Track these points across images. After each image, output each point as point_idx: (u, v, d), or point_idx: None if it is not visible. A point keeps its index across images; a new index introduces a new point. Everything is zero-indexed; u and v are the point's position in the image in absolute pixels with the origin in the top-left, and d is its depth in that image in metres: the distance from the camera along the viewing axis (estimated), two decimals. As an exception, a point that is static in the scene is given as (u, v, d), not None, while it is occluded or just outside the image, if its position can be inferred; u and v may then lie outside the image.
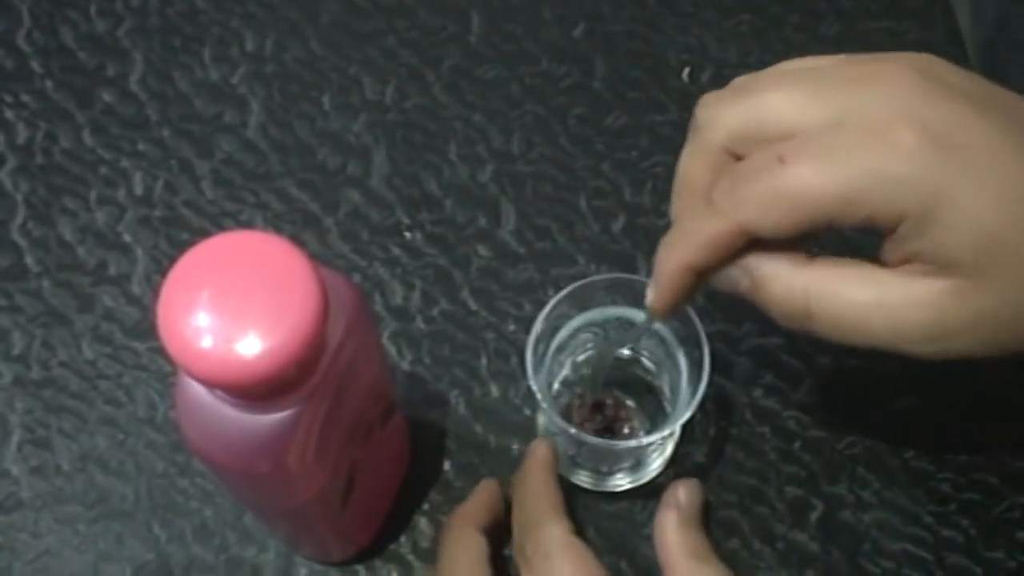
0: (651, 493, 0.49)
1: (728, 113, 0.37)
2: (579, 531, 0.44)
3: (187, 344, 0.31)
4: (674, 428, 0.46)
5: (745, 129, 0.36)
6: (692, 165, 0.38)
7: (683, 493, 0.45)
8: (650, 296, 0.39)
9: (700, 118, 0.38)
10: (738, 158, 0.37)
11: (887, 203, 0.33)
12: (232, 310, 0.31)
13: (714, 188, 0.36)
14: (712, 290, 0.52)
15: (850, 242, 0.37)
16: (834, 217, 0.34)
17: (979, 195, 0.33)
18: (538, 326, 0.44)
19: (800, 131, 0.35)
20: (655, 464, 0.49)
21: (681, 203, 0.39)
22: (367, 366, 0.39)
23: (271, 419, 0.34)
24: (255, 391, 0.33)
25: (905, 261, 0.35)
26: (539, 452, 0.45)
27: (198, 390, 0.34)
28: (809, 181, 0.34)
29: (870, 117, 0.34)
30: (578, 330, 0.47)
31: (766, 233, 0.35)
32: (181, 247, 0.54)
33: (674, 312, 0.40)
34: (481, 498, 0.46)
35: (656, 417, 0.49)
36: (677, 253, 0.37)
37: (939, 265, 0.34)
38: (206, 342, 0.31)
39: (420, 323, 0.53)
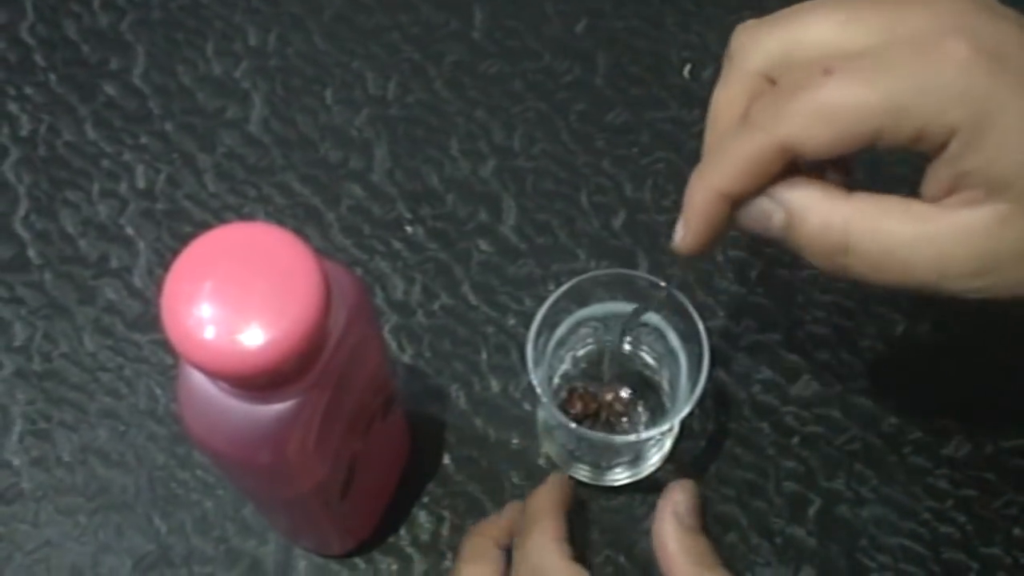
0: (650, 488, 0.49)
1: (766, 37, 0.35)
2: (573, 537, 0.43)
3: (190, 334, 0.31)
4: (673, 423, 0.46)
5: (784, 52, 0.34)
6: (727, 94, 0.36)
7: (680, 497, 0.43)
8: (679, 234, 0.36)
9: (735, 46, 0.36)
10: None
11: (938, 115, 0.32)
12: (235, 301, 0.31)
13: (752, 107, 0.34)
14: (712, 286, 0.53)
15: (887, 181, 0.36)
16: (883, 130, 0.32)
17: None
18: (538, 321, 0.44)
19: (844, 52, 0.33)
20: (654, 459, 0.49)
21: (714, 136, 0.36)
22: (368, 358, 0.39)
23: (273, 410, 0.34)
24: (257, 382, 0.33)
25: (951, 190, 0.33)
26: (555, 479, 0.45)
27: (200, 380, 0.35)
28: (857, 92, 0.32)
29: (918, 33, 0.32)
30: (578, 325, 0.47)
31: (810, 150, 0.33)
32: (183, 240, 0.54)
33: (704, 250, 0.36)
34: (506, 516, 0.46)
35: (655, 412, 0.49)
36: (710, 178, 0.35)
37: (988, 188, 0.32)
38: (209, 332, 0.31)
39: (421, 317, 0.53)
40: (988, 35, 0.32)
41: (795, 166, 0.34)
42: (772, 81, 0.35)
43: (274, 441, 0.35)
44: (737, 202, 0.35)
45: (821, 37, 0.34)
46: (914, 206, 0.33)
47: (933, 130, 0.32)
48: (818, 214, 0.34)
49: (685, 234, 0.36)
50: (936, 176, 0.33)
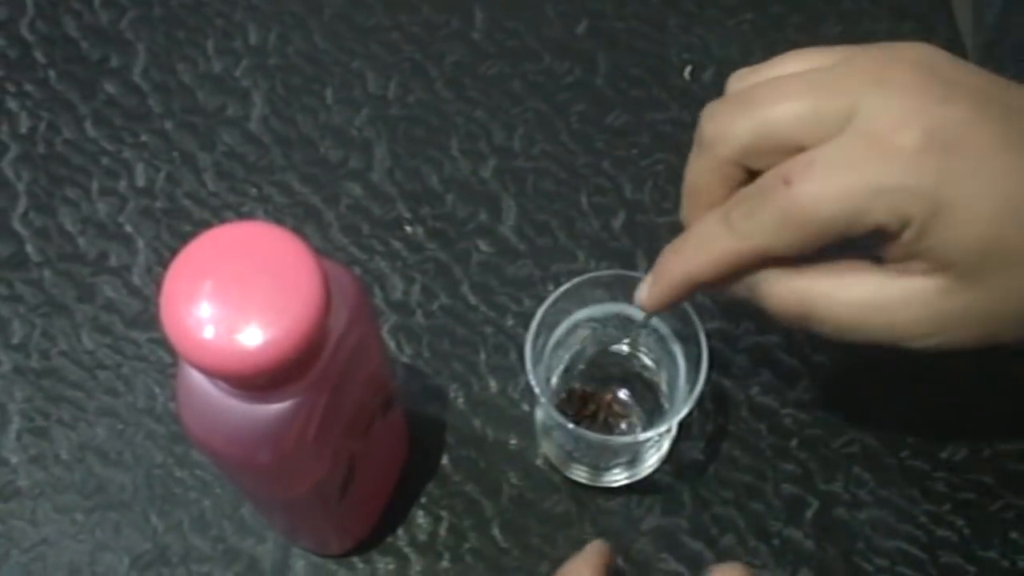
0: (648, 489, 0.49)
1: (737, 128, 0.37)
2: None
3: (189, 333, 0.31)
4: (671, 425, 0.46)
5: (755, 144, 0.37)
6: (703, 177, 0.38)
7: None
8: (644, 293, 0.40)
9: (707, 132, 0.38)
10: (748, 170, 0.37)
11: (892, 213, 0.34)
12: (235, 300, 0.31)
13: (732, 209, 0.37)
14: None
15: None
16: (844, 231, 0.35)
17: (981, 198, 0.34)
18: (537, 321, 0.44)
19: (807, 142, 0.35)
20: (651, 460, 0.49)
21: (693, 211, 0.39)
22: (368, 357, 0.39)
23: (272, 409, 0.34)
24: (256, 381, 0.33)
25: (904, 259, 0.35)
26: (594, 546, 0.44)
27: (199, 380, 0.35)
28: (816, 202, 0.34)
29: (872, 124, 0.34)
30: (577, 326, 0.47)
31: (783, 253, 0.36)
32: (182, 239, 0.54)
33: (666, 311, 0.41)
34: (588, 554, 0.44)
35: (653, 413, 0.49)
36: (686, 263, 0.38)
37: (937, 265, 0.35)
38: (208, 332, 0.31)
39: (420, 317, 0.53)
40: (939, 121, 0.34)
41: None
42: (744, 167, 0.37)
43: (273, 441, 0.35)
44: (704, 286, 0.38)
45: (789, 130, 0.36)
46: (868, 273, 0.36)
47: (890, 224, 0.34)
48: (777, 285, 0.37)
49: (652, 296, 0.40)
50: (892, 250, 0.35)
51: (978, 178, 0.34)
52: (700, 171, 0.38)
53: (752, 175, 0.37)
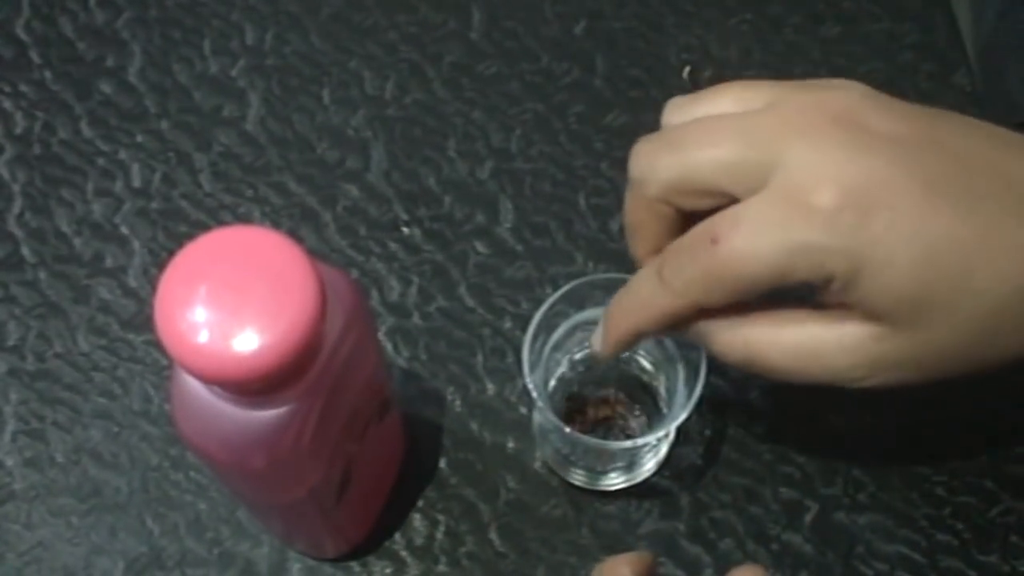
0: (646, 493, 0.49)
1: (661, 169, 0.38)
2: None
3: (184, 339, 0.31)
4: (670, 429, 0.46)
5: (679, 186, 0.38)
6: (637, 215, 0.40)
7: None
8: (596, 344, 0.42)
9: (634, 171, 0.39)
10: (677, 208, 0.39)
11: (814, 271, 0.35)
12: (230, 305, 0.31)
13: (664, 265, 0.38)
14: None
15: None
16: (772, 286, 0.36)
17: (901, 252, 0.35)
18: (535, 324, 0.44)
19: (729, 190, 0.37)
20: (649, 464, 0.49)
21: (635, 247, 0.41)
22: (364, 362, 0.39)
23: (267, 415, 0.34)
24: (252, 387, 0.33)
25: (839, 307, 0.36)
26: (637, 554, 0.42)
27: (194, 385, 0.34)
28: (742, 261, 0.36)
29: (792, 180, 0.35)
30: (575, 328, 0.47)
31: (715, 305, 0.38)
32: (178, 240, 0.54)
33: (618, 357, 0.43)
34: (632, 555, 0.42)
35: (652, 417, 0.49)
36: (630, 319, 0.40)
37: (869, 315, 0.36)
38: (203, 337, 0.31)
39: (417, 319, 0.53)
40: (857, 179, 0.35)
41: None
42: (671, 205, 0.39)
43: (268, 446, 0.35)
44: (651, 335, 0.41)
45: (711, 177, 0.37)
46: (804, 320, 0.37)
47: (814, 279, 0.36)
48: (724, 338, 0.39)
49: (604, 348, 0.41)
50: (824, 298, 0.36)
51: (897, 232, 0.34)
52: (634, 209, 0.40)
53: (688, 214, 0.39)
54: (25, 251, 0.54)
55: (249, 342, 0.31)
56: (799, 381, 0.38)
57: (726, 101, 0.39)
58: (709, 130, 0.38)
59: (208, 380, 0.33)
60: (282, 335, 0.31)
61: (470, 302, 0.53)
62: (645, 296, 0.39)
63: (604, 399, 0.49)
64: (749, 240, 0.35)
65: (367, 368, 0.39)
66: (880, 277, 0.35)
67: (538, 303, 0.45)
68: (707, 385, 0.43)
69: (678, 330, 0.40)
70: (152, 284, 0.53)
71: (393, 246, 0.54)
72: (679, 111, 0.40)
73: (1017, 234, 0.35)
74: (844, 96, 0.37)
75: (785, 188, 0.35)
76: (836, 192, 0.35)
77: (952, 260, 0.35)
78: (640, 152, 0.39)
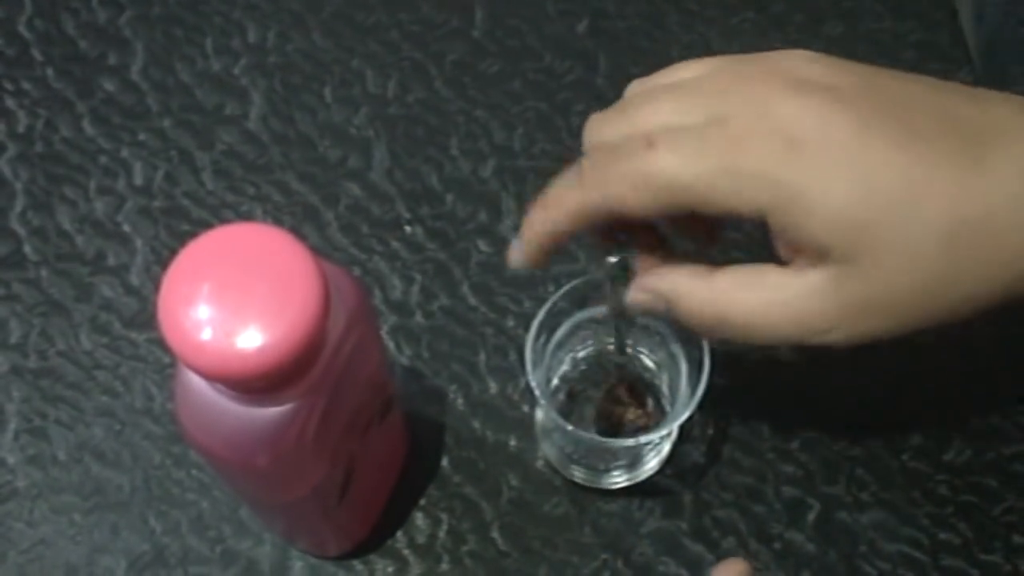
0: (648, 491, 0.49)
1: (608, 131, 0.39)
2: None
3: (187, 336, 0.31)
4: (672, 428, 0.46)
5: (618, 139, 0.38)
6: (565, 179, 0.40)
7: None
8: (515, 252, 0.41)
9: (585, 138, 0.40)
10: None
11: (744, 199, 0.35)
12: (233, 303, 0.31)
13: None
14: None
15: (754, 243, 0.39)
16: (696, 204, 0.36)
17: (835, 184, 0.35)
18: (537, 322, 0.44)
19: (668, 126, 0.37)
20: (652, 462, 0.49)
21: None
22: (367, 360, 0.39)
23: (270, 413, 0.34)
24: (255, 385, 0.33)
25: (793, 252, 0.36)
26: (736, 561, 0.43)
27: (197, 383, 0.34)
28: (673, 168, 0.36)
29: (730, 123, 0.36)
30: (577, 327, 0.47)
31: (629, 212, 0.37)
32: (180, 238, 0.54)
33: (533, 267, 0.42)
34: (730, 565, 0.43)
35: (654, 416, 0.49)
36: (544, 217, 0.40)
37: (814, 254, 0.36)
38: (206, 335, 0.31)
39: (419, 318, 0.53)
40: (789, 119, 0.36)
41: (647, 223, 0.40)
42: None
43: (271, 444, 0.35)
44: (567, 237, 0.40)
45: (652, 126, 0.37)
46: (769, 273, 0.37)
47: (743, 210, 0.36)
48: (689, 298, 0.39)
49: (519, 255, 0.41)
50: (776, 246, 0.37)
51: (830, 166, 0.35)
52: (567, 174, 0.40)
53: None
54: (27, 249, 0.54)
55: (253, 340, 0.31)
56: (768, 339, 0.38)
57: (682, 72, 0.40)
58: (654, 93, 0.39)
59: (211, 378, 0.33)
60: (285, 333, 0.31)
61: (472, 301, 0.53)
62: (563, 190, 0.39)
63: (607, 397, 0.49)
64: (683, 153, 0.36)
65: (370, 366, 0.39)
66: (820, 209, 0.35)
67: (540, 301, 0.45)
68: (710, 384, 0.43)
69: (587, 230, 0.39)
70: (154, 282, 0.53)
71: (395, 244, 0.54)
72: (636, 86, 0.41)
73: (967, 170, 0.35)
74: (787, 56, 0.38)
75: (722, 128, 0.36)
76: (769, 131, 0.35)
77: (893, 186, 0.35)
78: (592, 120, 0.40)
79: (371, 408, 0.41)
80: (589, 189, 0.38)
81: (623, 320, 0.44)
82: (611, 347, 0.48)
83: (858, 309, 0.36)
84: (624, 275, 0.42)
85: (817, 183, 0.35)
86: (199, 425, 0.35)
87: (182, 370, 0.35)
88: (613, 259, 0.41)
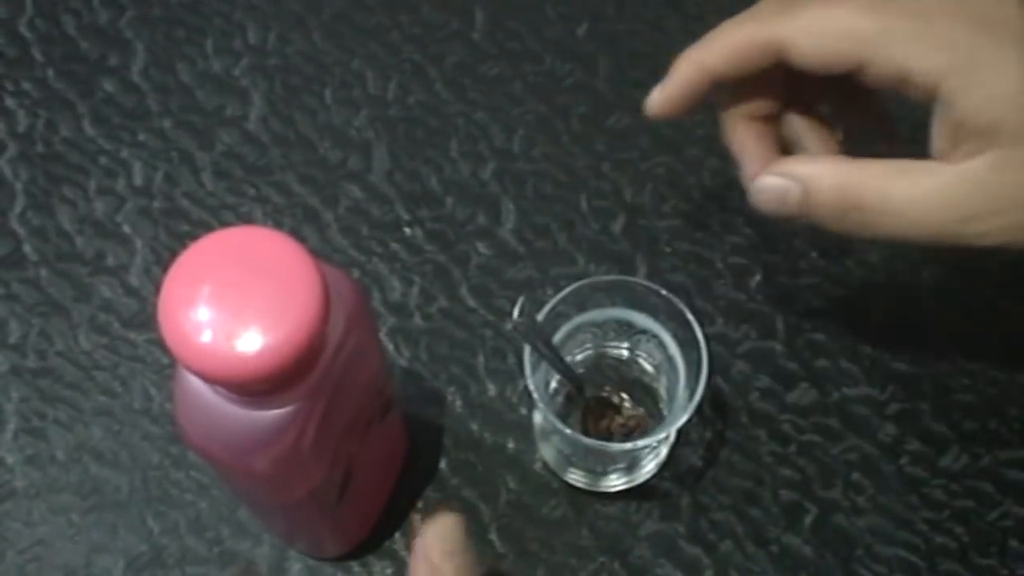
0: (646, 494, 0.49)
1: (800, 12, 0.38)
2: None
3: (187, 339, 0.31)
4: (670, 432, 0.46)
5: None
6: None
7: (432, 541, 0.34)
8: (654, 96, 0.41)
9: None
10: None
11: (921, 58, 0.35)
12: (233, 306, 0.31)
13: (762, 1, 0.38)
14: (711, 292, 0.52)
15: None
16: (869, 62, 0.36)
17: (1011, 63, 0.34)
18: (537, 325, 0.44)
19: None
20: (650, 466, 0.49)
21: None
22: (366, 363, 0.39)
23: (269, 415, 0.34)
24: (254, 387, 0.33)
25: (953, 143, 0.35)
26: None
27: (196, 384, 0.34)
28: (855, 17, 0.36)
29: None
30: (576, 330, 0.47)
31: (796, 56, 0.37)
32: (180, 239, 0.54)
33: (670, 116, 0.41)
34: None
35: (653, 419, 0.49)
36: (699, 53, 0.39)
37: (982, 136, 0.35)
38: (206, 337, 0.31)
39: (418, 320, 0.53)
40: (974, 4, 0.35)
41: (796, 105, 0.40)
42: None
43: (270, 446, 0.35)
44: (715, 80, 0.39)
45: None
46: (920, 164, 0.36)
47: (917, 73, 0.35)
48: (831, 178, 0.37)
49: (660, 97, 0.40)
50: (938, 133, 0.36)
51: (1012, 43, 0.34)
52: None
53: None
54: (27, 249, 0.54)
55: (253, 342, 0.31)
56: (908, 235, 0.36)
57: None
58: None
59: (211, 380, 0.33)
60: (286, 336, 0.31)
61: (471, 303, 0.53)
62: (733, 25, 0.38)
63: (605, 400, 0.49)
64: (869, 4, 0.36)
65: (369, 369, 0.39)
66: (999, 81, 0.34)
67: (540, 304, 0.45)
68: (707, 387, 0.43)
69: (743, 73, 0.39)
70: (154, 283, 0.53)
71: (395, 246, 0.54)
72: None
73: None
74: None
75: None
76: (954, 5, 0.35)
77: None
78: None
79: (370, 410, 0.41)
80: (761, 23, 0.37)
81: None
82: (612, 351, 0.49)
83: (1016, 199, 0.35)
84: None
85: (998, 56, 0.34)
86: (198, 427, 0.35)
87: (181, 372, 0.35)
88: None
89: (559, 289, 0.45)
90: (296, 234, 0.33)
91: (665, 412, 0.48)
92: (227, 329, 0.31)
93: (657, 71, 0.58)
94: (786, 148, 0.43)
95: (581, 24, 0.60)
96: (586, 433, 0.48)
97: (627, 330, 0.47)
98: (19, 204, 0.55)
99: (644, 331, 0.47)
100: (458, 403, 0.51)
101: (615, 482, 0.49)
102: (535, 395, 0.43)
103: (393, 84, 0.58)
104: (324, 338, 0.33)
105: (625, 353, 0.49)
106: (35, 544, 0.49)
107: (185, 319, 0.31)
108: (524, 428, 0.51)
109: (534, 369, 0.44)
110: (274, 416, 0.34)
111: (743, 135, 0.41)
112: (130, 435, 0.51)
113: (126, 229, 0.55)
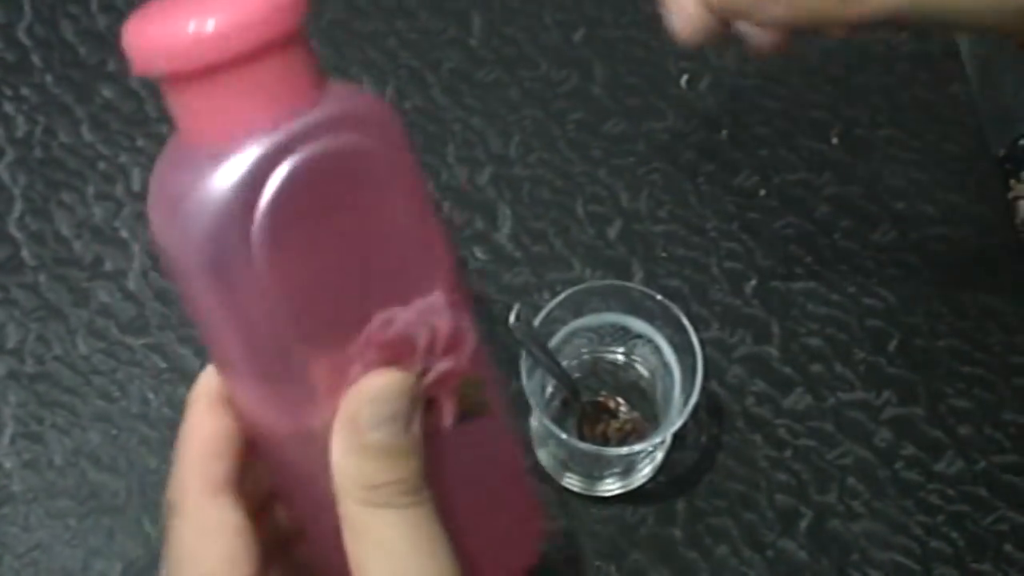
0: (642, 498, 0.49)
1: None
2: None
3: (146, 33, 0.29)
4: (665, 436, 0.46)
5: None
6: None
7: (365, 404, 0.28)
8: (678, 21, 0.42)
9: None
10: None
11: None
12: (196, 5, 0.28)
13: None
14: (706, 297, 0.53)
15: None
16: None
17: None
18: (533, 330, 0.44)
19: None
20: (645, 470, 0.49)
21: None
22: (393, 192, 0.30)
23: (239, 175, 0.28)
24: (233, 48, 0.28)
25: None
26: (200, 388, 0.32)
27: (174, 171, 0.30)
28: None
29: None
30: (572, 335, 0.47)
31: None
32: (178, 244, 0.54)
33: (699, 40, 0.41)
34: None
35: (648, 423, 0.49)
36: None
37: None
38: (173, 25, 0.28)
39: (415, 324, 0.53)
40: None
41: None
42: None
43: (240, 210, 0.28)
44: None
45: None
46: None
47: None
48: None
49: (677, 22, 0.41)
50: None
51: None
52: None
53: None
54: (25, 254, 0.55)
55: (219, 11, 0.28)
56: (799, 21, 0.40)
57: None
58: None
59: (171, 59, 0.29)
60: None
61: (468, 308, 0.53)
62: None
63: (601, 405, 0.49)
64: None
65: (396, 207, 0.30)
66: None
67: (536, 309, 0.45)
68: (703, 392, 0.43)
69: None
70: (151, 287, 0.53)
71: (392, 251, 0.54)
72: None
73: None
74: None
75: None
76: None
77: None
78: None
79: (406, 285, 0.30)
80: None
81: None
82: (608, 355, 0.49)
83: None
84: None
85: None
86: (165, 207, 0.30)
87: (162, 167, 0.30)
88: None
89: (555, 294, 0.45)
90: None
91: (661, 417, 0.48)
92: (189, 13, 0.28)
93: (653, 77, 0.58)
94: None
95: (577, 30, 0.60)
96: (582, 438, 0.48)
97: (623, 335, 0.47)
98: (17, 209, 0.56)
99: (640, 336, 0.47)
100: (455, 408, 0.51)
101: (611, 486, 0.49)
102: (531, 400, 0.43)
103: (390, 89, 0.58)
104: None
105: (621, 358, 0.49)
106: (32, 548, 0.49)
107: (147, 23, 0.29)
108: (520, 433, 0.51)
109: (530, 374, 0.44)
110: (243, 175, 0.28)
111: None
112: (127, 439, 0.51)
113: (124, 234, 0.55)
